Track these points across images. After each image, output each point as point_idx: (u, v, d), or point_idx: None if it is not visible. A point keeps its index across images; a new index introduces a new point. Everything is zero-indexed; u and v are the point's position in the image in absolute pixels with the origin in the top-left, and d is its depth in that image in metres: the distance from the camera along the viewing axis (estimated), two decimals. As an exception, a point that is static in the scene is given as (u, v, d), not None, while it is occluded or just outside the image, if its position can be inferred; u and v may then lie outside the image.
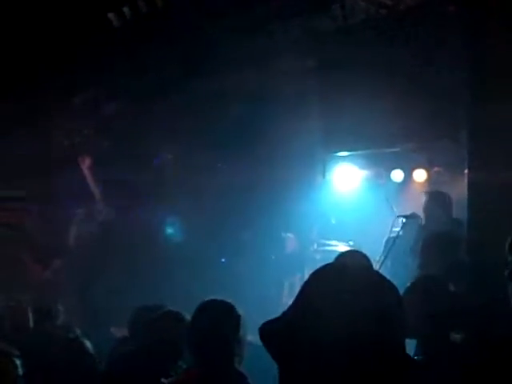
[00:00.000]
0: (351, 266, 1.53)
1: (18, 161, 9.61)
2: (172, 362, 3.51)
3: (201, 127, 9.61)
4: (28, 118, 9.41)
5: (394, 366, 1.34)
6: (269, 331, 1.45)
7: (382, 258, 6.59)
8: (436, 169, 9.37)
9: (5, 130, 9.29)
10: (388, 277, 1.46)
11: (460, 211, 6.52)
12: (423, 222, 6.76)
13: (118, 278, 9.00)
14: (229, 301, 3.20)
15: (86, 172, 9.37)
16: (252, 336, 3.52)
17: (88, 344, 4.17)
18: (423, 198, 6.90)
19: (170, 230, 10.08)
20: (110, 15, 6.16)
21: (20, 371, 3.60)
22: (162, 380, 3.22)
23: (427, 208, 6.72)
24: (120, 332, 5.14)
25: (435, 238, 5.19)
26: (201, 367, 3.08)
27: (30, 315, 5.45)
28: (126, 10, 6.10)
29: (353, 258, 4.05)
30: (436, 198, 6.82)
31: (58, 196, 9.99)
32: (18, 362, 3.60)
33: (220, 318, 3.11)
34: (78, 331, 4.84)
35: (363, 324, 1.32)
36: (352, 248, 8.52)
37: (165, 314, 3.86)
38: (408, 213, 7.04)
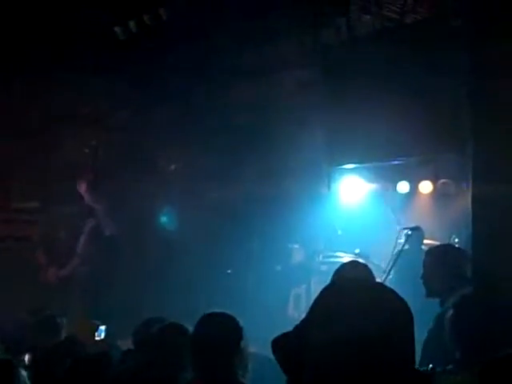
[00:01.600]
0: (360, 281, 1.55)
1: (27, 173, 9.68)
2: (175, 374, 3.51)
3: (206, 138, 9.64)
4: (33, 130, 9.47)
5: (406, 380, 1.35)
6: (280, 344, 1.47)
7: (388, 269, 6.59)
8: (442, 181, 9.37)
9: (9, 141, 9.35)
10: (394, 289, 1.48)
11: (465, 223, 6.53)
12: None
13: (126, 291, 9.03)
14: (230, 313, 3.21)
15: (86, 195, 9.39)
16: (257, 347, 3.52)
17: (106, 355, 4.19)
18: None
19: (175, 240, 10.10)
20: (116, 29, 6.22)
21: (27, 381, 3.62)
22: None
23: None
24: (126, 345, 5.15)
25: (438, 248, 5.19)
26: (203, 379, 3.08)
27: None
28: (131, 23, 6.15)
29: (355, 269, 4.05)
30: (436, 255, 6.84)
31: (62, 206, 10.03)
32: (24, 373, 3.62)
33: (221, 331, 3.12)
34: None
35: (373, 339, 1.34)
36: (355, 258, 8.53)
37: (168, 326, 3.87)
38: (412, 225, 7.05)
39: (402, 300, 1.43)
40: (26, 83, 7.98)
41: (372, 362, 1.32)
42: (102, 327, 6.83)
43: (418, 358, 3.91)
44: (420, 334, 4.12)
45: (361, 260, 7.67)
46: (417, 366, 3.48)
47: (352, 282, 1.55)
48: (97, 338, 6.59)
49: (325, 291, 1.49)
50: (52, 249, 9.60)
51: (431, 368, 3.43)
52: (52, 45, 6.89)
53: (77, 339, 5.17)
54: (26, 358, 4.76)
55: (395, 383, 1.34)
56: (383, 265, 7.25)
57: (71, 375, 4.04)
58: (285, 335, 1.48)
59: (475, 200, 5.00)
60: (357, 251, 9.08)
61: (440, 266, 4.37)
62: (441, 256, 4.50)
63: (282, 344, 1.48)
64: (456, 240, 7.18)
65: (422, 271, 4.46)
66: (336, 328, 1.35)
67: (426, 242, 7.65)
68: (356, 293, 1.43)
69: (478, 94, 4.99)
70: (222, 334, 3.11)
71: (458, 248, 5.25)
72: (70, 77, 7.91)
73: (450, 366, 3.35)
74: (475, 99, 5.04)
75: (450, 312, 3.46)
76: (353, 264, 4.46)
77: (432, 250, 4.98)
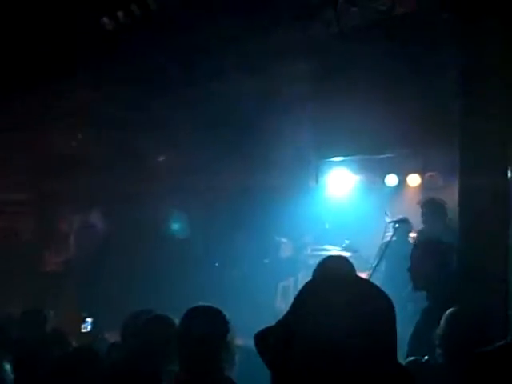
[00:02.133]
0: (343, 275, 1.55)
1: (17, 164, 9.64)
2: (162, 366, 3.51)
3: (193, 132, 9.62)
4: (25, 122, 9.42)
5: (388, 375, 1.36)
6: (263, 339, 1.47)
7: (376, 262, 6.61)
8: (430, 174, 9.41)
9: (3, 135, 9.31)
10: (383, 281, 1.49)
11: (453, 215, 6.57)
12: (421, 229, 6.86)
13: (114, 284, 9.02)
14: (216, 306, 3.21)
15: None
16: (245, 340, 3.53)
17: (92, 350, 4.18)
18: (420, 208, 6.98)
19: (164, 234, 10.09)
20: (104, 19, 6.17)
21: (11, 375, 3.60)
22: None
23: (423, 216, 6.83)
24: (113, 337, 5.14)
25: (425, 243, 5.21)
26: (189, 373, 3.08)
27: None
28: (119, 13, 6.11)
29: (337, 263, 4.06)
30: (430, 206, 6.90)
31: (56, 199, 10.01)
32: (8, 366, 3.60)
33: (207, 323, 3.11)
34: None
35: (356, 334, 1.34)
36: (342, 251, 8.57)
37: (154, 318, 3.86)
38: (400, 217, 7.08)
39: (385, 295, 1.43)
40: (15, 77, 7.93)
41: (355, 356, 1.33)
42: (89, 319, 6.82)
43: (405, 349, 3.96)
44: (408, 324, 4.15)
45: (345, 254, 7.72)
46: (411, 358, 3.55)
47: (335, 277, 1.55)
48: (83, 330, 6.58)
49: (307, 286, 1.49)
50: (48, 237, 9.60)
51: (426, 360, 3.47)
52: (40, 38, 6.83)
53: (62, 332, 5.15)
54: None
55: (378, 378, 1.34)
56: (371, 258, 7.27)
57: (56, 369, 4.03)
58: (268, 329, 1.47)
59: (462, 192, 5.02)
60: (346, 242, 9.11)
61: (427, 260, 4.39)
62: (428, 250, 4.51)
63: (265, 338, 1.46)
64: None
65: (409, 264, 4.47)
66: (319, 323, 1.35)
67: (413, 234, 7.69)
68: (339, 287, 1.43)
69: (467, 88, 5.00)
70: (207, 327, 3.10)
71: (445, 242, 5.26)
72: (58, 70, 7.85)
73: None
74: (463, 93, 5.06)
75: (442, 323, 3.54)
76: (335, 258, 4.47)
77: (420, 244, 5.00)
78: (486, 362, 2.54)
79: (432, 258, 4.38)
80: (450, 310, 3.60)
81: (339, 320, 1.34)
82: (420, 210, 7.18)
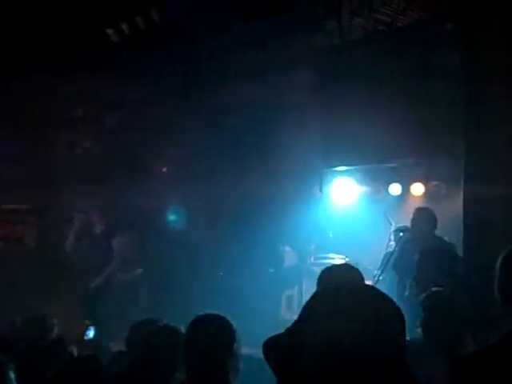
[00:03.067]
0: (351, 284, 1.56)
1: (20, 173, 9.66)
2: (168, 375, 3.51)
3: (198, 139, 9.64)
4: (29, 130, 9.45)
5: (396, 380, 1.36)
6: (271, 346, 1.47)
7: (380, 271, 6.60)
8: (434, 183, 9.40)
9: (5, 142, 9.34)
10: (386, 290, 1.49)
11: (457, 224, 6.57)
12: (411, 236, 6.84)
13: (118, 292, 9.02)
14: (223, 314, 3.21)
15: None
16: (249, 348, 3.53)
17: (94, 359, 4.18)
18: (413, 214, 6.98)
19: (167, 243, 10.09)
20: (109, 31, 6.22)
21: (14, 383, 3.59)
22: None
23: (413, 222, 6.82)
24: (117, 347, 5.14)
25: (432, 251, 5.22)
26: (195, 381, 3.08)
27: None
28: (124, 25, 6.15)
29: (344, 271, 4.05)
30: (420, 213, 6.89)
31: (57, 207, 10.02)
32: (12, 374, 3.59)
33: (214, 332, 3.11)
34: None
35: (366, 342, 1.34)
36: (345, 260, 8.55)
37: (161, 328, 3.86)
38: (404, 227, 7.06)
39: (393, 302, 1.44)
40: (20, 85, 7.96)
41: (365, 364, 1.33)
42: (92, 328, 6.83)
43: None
44: (410, 335, 4.14)
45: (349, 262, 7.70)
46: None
47: (343, 285, 1.55)
48: (86, 338, 6.58)
49: (317, 294, 1.50)
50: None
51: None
52: (46, 47, 6.87)
53: (64, 341, 5.15)
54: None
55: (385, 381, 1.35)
56: (375, 266, 7.26)
57: (59, 378, 4.03)
58: (276, 337, 1.48)
59: (467, 201, 5.03)
60: (347, 259, 9.08)
61: (434, 269, 4.39)
62: (435, 259, 4.51)
63: (273, 346, 1.47)
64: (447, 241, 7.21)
65: (414, 273, 4.48)
66: (328, 331, 1.36)
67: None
68: (347, 295, 1.44)
69: (470, 97, 5.02)
70: (215, 336, 3.10)
71: (452, 250, 5.27)
72: (62, 78, 7.89)
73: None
74: (467, 103, 5.07)
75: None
76: (341, 266, 4.46)
77: (426, 253, 5.00)
78: (472, 364, 2.54)
79: (439, 267, 4.38)
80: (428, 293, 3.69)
81: (348, 328, 1.35)
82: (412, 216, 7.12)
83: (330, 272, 4.00)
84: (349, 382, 1.33)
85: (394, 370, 1.36)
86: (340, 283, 1.57)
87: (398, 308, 1.44)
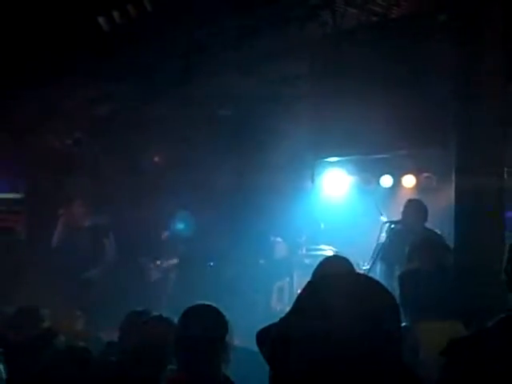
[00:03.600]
0: (344, 273, 1.55)
1: (13, 163, 9.62)
2: (160, 367, 3.49)
3: (189, 131, 9.62)
4: (21, 120, 9.39)
5: (393, 374, 1.35)
6: (265, 336, 1.46)
7: (371, 263, 6.61)
8: (425, 175, 9.44)
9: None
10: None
11: (448, 216, 6.59)
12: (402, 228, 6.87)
13: (110, 283, 9.00)
14: (215, 305, 3.19)
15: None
16: (240, 340, 3.52)
17: (80, 350, 4.17)
18: (405, 206, 7.01)
19: (159, 234, 10.08)
20: (100, 19, 6.16)
21: (4, 375, 3.58)
22: (150, 385, 3.22)
23: (404, 214, 6.85)
24: (108, 337, 5.13)
25: (423, 242, 5.23)
26: (187, 372, 3.07)
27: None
28: (115, 13, 6.10)
29: (336, 262, 4.07)
30: (411, 205, 6.93)
31: (50, 197, 9.98)
32: (1, 365, 3.58)
33: (207, 323, 3.10)
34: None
35: (362, 331, 1.33)
36: (337, 252, 8.58)
37: (153, 318, 3.85)
38: (395, 218, 7.08)
39: (387, 291, 1.43)
40: (10, 76, 7.90)
41: (360, 355, 1.32)
42: (83, 317, 6.81)
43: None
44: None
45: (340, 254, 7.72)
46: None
47: (336, 275, 1.54)
48: (78, 329, 6.57)
49: (309, 285, 1.48)
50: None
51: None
52: (38, 34, 6.82)
53: (55, 331, 5.14)
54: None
55: (382, 376, 1.34)
56: (366, 258, 7.28)
57: (48, 368, 4.02)
58: (269, 328, 1.47)
59: (458, 193, 5.04)
60: (336, 251, 9.10)
61: (424, 260, 4.40)
62: (426, 251, 4.53)
63: (266, 336, 1.46)
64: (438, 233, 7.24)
65: (404, 264, 4.49)
66: (320, 321, 1.34)
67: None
68: (340, 285, 1.42)
69: (463, 89, 5.02)
70: (206, 327, 3.09)
71: (442, 242, 5.29)
72: (54, 70, 7.84)
73: None
74: (459, 94, 5.07)
75: None
76: (334, 258, 4.48)
77: (417, 245, 5.01)
78: (463, 347, 2.54)
79: (430, 258, 4.39)
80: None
81: (341, 318, 1.34)
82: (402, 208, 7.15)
83: (323, 263, 4.01)
84: (341, 374, 1.32)
85: (389, 362, 1.35)
86: (331, 273, 1.55)
87: (393, 298, 1.43)
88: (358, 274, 1.52)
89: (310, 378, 1.34)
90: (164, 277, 9.78)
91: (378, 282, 1.45)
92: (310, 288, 1.46)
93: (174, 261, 9.85)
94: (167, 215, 10.01)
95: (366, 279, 1.48)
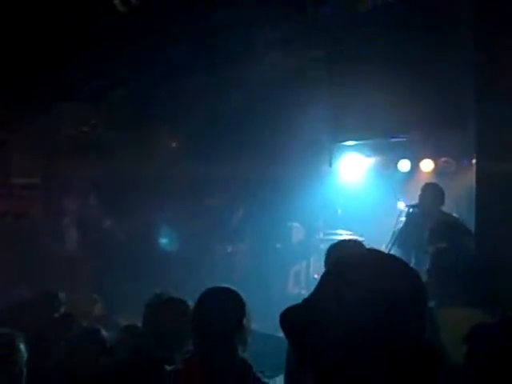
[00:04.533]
0: (369, 254, 1.52)
1: (26, 149, 9.66)
2: (176, 348, 3.50)
3: (206, 116, 9.59)
4: (34, 106, 9.42)
5: (416, 351, 1.33)
6: (290, 318, 1.45)
7: (388, 247, 6.57)
8: (443, 159, 9.35)
9: (9, 117, 9.32)
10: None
11: (466, 201, 6.53)
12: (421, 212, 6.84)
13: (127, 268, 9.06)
14: (233, 288, 3.18)
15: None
16: (257, 323, 3.52)
17: (98, 332, 4.20)
18: (421, 190, 6.97)
19: (176, 218, 10.10)
20: (116, 1, 6.14)
21: (25, 354, 3.61)
22: (166, 367, 3.22)
23: (421, 198, 6.81)
24: (127, 321, 5.16)
25: (442, 226, 5.19)
26: (204, 355, 3.06)
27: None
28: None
29: (353, 246, 4.04)
30: (428, 189, 6.87)
31: (65, 184, 10.03)
32: (22, 346, 3.62)
33: (224, 305, 3.08)
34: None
35: (385, 312, 1.32)
36: (353, 236, 8.55)
37: (168, 301, 3.85)
38: (413, 203, 7.04)
39: (412, 271, 1.41)
40: (29, 59, 7.91)
41: (381, 333, 1.31)
42: (101, 302, 6.86)
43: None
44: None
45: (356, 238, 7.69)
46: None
47: (360, 255, 1.52)
48: (96, 313, 6.62)
49: (333, 266, 1.46)
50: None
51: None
52: (48, 20, 6.81)
53: (72, 315, 5.18)
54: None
55: (405, 353, 1.32)
56: (383, 243, 7.24)
57: (68, 353, 4.07)
58: (293, 308, 1.46)
59: (479, 177, 4.98)
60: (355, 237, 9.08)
61: (446, 243, 4.36)
62: (447, 233, 4.49)
63: (290, 316, 1.45)
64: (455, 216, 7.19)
65: (425, 248, 4.45)
66: (344, 300, 1.33)
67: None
68: (366, 264, 1.41)
69: (483, 70, 4.94)
70: (224, 309, 3.08)
71: (462, 225, 5.24)
72: (69, 53, 7.84)
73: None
74: (480, 76, 4.99)
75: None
76: (350, 242, 4.44)
77: (437, 228, 4.96)
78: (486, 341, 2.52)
79: (451, 242, 4.35)
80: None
81: (365, 297, 1.32)
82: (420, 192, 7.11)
83: (338, 247, 3.98)
84: (365, 351, 1.31)
85: (412, 339, 1.33)
86: (355, 254, 1.53)
87: (418, 277, 1.40)
88: (381, 253, 1.49)
89: (336, 356, 1.33)
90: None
91: (400, 260, 1.43)
92: (333, 270, 1.45)
93: None
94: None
95: (389, 258, 1.45)
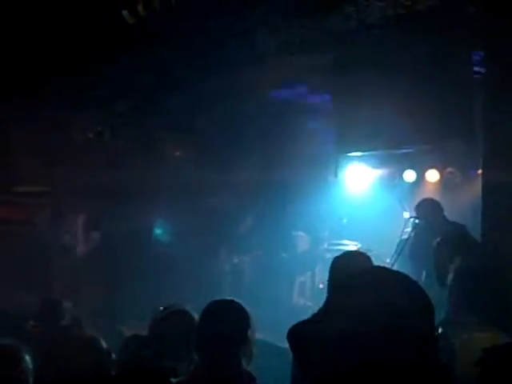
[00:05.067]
0: (376, 270, 1.51)
1: (33, 157, 9.67)
2: (181, 360, 3.48)
3: (214, 125, 9.61)
4: (40, 114, 9.44)
5: (425, 368, 1.33)
6: (296, 334, 1.46)
7: (394, 258, 6.55)
8: (449, 169, 9.33)
9: (18, 126, 9.34)
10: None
11: (471, 211, 6.50)
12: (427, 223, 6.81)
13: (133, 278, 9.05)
14: (237, 300, 3.17)
15: None
16: (262, 333, 3.51)
17: (101, 341, 4.18)
18: (415, 210, 6.94)
19: (181, 224, 10.10)
20: (124, 13, 6.16)
21: (30, 365, 3.61)
22: (171, 379, 3.21)
23: (421, 214, 6.78)
24: (128, 331, 5.15)
25: (448, 236, 5.17)
26: (209, 367, 3.05)
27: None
28: (140, 8, 6.09)
29: (357, 258, 3.99)
30: (427, 203, 6.84)
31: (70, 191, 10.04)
32: (27, 356, 3.61)
33: (229, 318, 3.08)
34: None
35: (391, 327, 1.32)
36: (359, 247, 8.53)
37: (173, 312, 3.83)
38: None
39: (419, 287, 1.41)
40: (33, 67, 7.94)
41: (390, 350, 1.30)
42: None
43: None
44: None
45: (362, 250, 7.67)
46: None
47: (367, 272, 1.51)
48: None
49: (339, 282, 1.46)
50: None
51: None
52: (57, 28, 6.84)
53: (81, 324, 5.18)
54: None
55: (414, 371, 1.32)
56: (388, 254, 7.22)
57: (70, 360, 4.05)
58: (300, 326, 1.46)
59: (485, 188, 4.97)
60: (359, 245, 9.06)
61: (454, 256, 4.32)
62: (455, 246, 4.44)
63: (298, 336, 1.45)
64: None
65: (432, 260, 4.42)
66: (353, 318, 1.33)
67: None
68: (373, 282, 1.40)
69: (491, 81, 4.94)
70: (229, 323, 3.06)
71: (471, 237, 5.21)
72: (75, 62, 7.87)
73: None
74: (487, 87, 4.99)
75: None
76: (355, 254, 4.39)
77: (445, 241, 4.93)
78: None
79: (458, 255, 4.31)
80: None
81: (373, 315, 1.32)
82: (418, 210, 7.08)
83: (343, 260, 3.95)
84: (374, 370, 1.30)
85: (420, 356, 1.33)
86: (361, 269, 1.52)
87: (424, 292, 1.40)
88: (388, 270, 1.49)
89: (345, 375, 1.33)
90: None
91: (408, 278, 1.42)
92: (340, 286, 1.44)
93: None
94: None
95: (396, 275, 1.44)
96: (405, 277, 1.43)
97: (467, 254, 4.41)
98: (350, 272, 1.48)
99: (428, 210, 6.75)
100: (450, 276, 3.80)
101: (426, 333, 1.35)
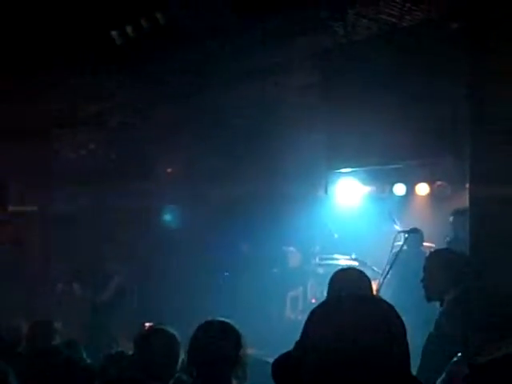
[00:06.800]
0: (355, 296, 1.54)
1: (25, 175, 9.66)
2: (167, 378, 3.42)
3: (203, 140, 9.64)
4: (33, 132, 9.45)
5: None
6: (280, 368, 1.48)
7: (385, 272, 6.57)
8: (438, 183, 9.40)
9: (11, 143, 9.34)
10: (393, 291, 1.49)
11: (461, 224, 6.55)
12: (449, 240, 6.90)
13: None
14: (228, 321, 3.17)
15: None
16: (254, 349, 3.51)
17: (85, 362, 4.17)
18: (451, 216, 7.05)
19: (171, 242, 10.10)
20: (113, 33, 6.21)
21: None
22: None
23: (453, 225, 6.87)
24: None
25: (440, 253, 5.18)
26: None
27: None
28: (128, 28, 6.15)
29: (350, 277, 3.99)
30: (461, 215, 6.85)
31: (61, 208, 10.03)
32: (14, 381, 3.56)
33: (219, 339, 3.07)
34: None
35: (372, 355, 1.35)
36: (351, 262, 8.55)
37: (155, 331, 3.75)
38: (409, 227, 7.06)
39: (397, 313, 1.44)
40: (26, 86, 7.96)
41: (371, 377, 1.33)
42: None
43: (417, 361, 3.91)
44: (418, 335, 4.11)
45: (356, 265, 7.70)
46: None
47: (346, 298, 1.53)
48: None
49: (320, 309, 1.48)
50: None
51: None
52: (51, 47, 6.88)
53: (76, 344, 5.16)
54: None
55: None
56: (380, 267, 7.24)
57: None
58: (283, 357, 1.49)
59: (473, 202, 5.01)
60: (353, 256, 9.09)
61: (442, 270, 4.32)
62: (444, 261, 4.45)
63: (281, 367, 1.48)
64: (449, 240, 7.22)
65: (421, 274, 4.42)
66: (332, 347, 1.35)
67: (427, 244, 7.71)
68: (351, 310, 1.42)
69: (477, 96, 5.00)
70: (219, 343, 3.06)
71: (460, 252, 5.23)
72: (68, 79, 7.90)
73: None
74: (474, 102, 5.05)
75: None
76: (348, 271, 4.38)
77: (434, 255, 4.95)
78: (486, 372, 2.51)
79: (448, 270, 4.32)
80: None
81: (352, 344, 1.35)
82: (450, 218, 7.18)
83: (336, 277, 3.95)
84: None
85: (403, 380, 1.35)
86: (343, 295, 1.55)
87: (402, 320, 1.43)
88: (370, 296, 1.52)
89: None
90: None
91: (387, 304, 1.46)
92: (321, 314, 1.46)
93: None
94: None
95: (376, 301, 1.47)
96: (383, 303, 1.46)
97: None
98: (333, 295, 1.51)
99: (459, 224, 6.81)
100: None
101: (393, 366, 1.37)
